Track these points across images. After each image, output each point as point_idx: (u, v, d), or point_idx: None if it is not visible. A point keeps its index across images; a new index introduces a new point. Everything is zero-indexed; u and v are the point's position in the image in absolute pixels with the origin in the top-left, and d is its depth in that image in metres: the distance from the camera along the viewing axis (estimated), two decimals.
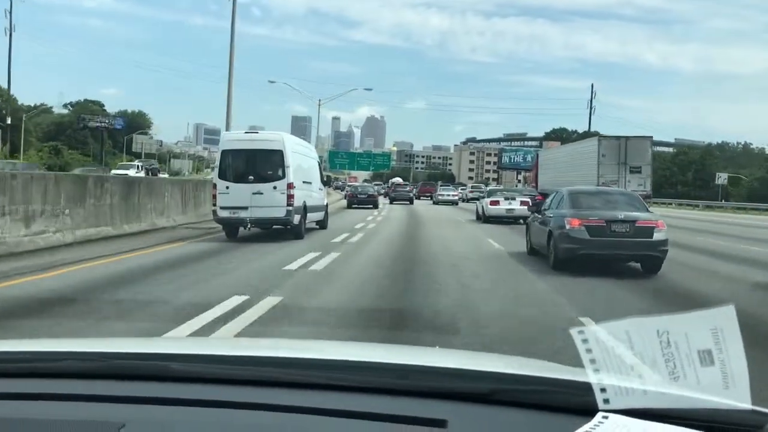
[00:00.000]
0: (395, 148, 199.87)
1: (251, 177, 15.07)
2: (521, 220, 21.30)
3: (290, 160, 15.27)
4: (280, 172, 15.15)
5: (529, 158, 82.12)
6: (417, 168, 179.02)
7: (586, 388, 1.11)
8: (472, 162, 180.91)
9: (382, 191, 57.29)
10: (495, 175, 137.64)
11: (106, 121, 77.38)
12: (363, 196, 36.45)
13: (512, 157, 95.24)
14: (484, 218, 25.40)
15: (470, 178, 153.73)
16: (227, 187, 15.10)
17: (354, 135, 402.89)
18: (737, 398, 1.08)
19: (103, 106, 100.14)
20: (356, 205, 34.62)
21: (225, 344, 2.66)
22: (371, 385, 1.27)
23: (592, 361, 1.11)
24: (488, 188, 45.23)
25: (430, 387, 1.26)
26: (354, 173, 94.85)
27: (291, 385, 1.27)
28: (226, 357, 1.46)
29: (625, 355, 1.12)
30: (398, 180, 58.63)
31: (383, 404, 1.20)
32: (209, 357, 1.46)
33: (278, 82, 52.35)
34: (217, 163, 15.47)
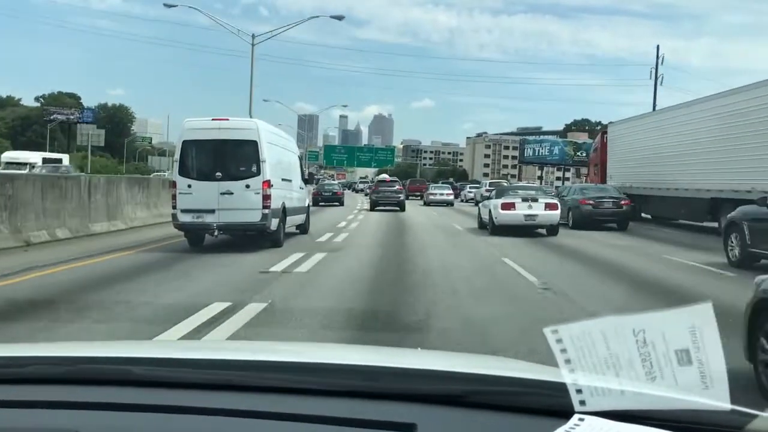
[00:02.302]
0: (402, 146, 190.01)
1: (219, 174, 12.42)
2: (545, 231, 17.38)
3: (266, 153, 12.62)
4: (254, 168, 12.52)
5: (556, 150, 71.95)
6: (425, 164, 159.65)
7: (562, 389, 1.07)
8: (487, 156, 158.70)
9: (368, 190, 47.59)
10: (514, 171, 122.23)
11: (74, 114, 69.75)
12: (328, 194, 36.60)
13: (536, 149, 78.24)
14: (492, 227, 17.55)
15: (485, 174, 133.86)
16: (189, 186, 12.44)
17: (362, 133, 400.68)
18: (716, 398, 1.04)
19: (80, 99, 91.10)
20: (322, 203, 34.67)
21: (189, 347, 2.39)
22: (336, 388, 1.24)
23: (567, 361, 1.07)
24: (492, 183, 37.74)
25: (399, 389, 1.23)
26: (353, 170, 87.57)
27: (254, 389, 1.24)
28: (184, 360, 1.43)
29: (601, 355, 1.07)
30: (384, 177, 43.30)
31: (349, 408, 1.18)
32: (167, 360, 1.42)
33: (271, 101, 48.12)
34: (177, 156, 12.76)
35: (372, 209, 30.27)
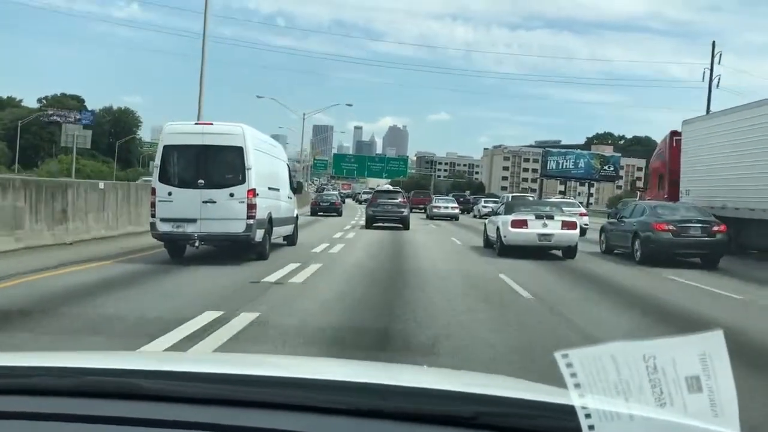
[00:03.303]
0: (415, 158, 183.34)
1: (201, 181, 11.76)
2: (561, 252, 15.19)
3: (252, 160, 11.93)
4: (239, 176, 11.83)
5: (581, 163, 66.98)
6: (439, 176, 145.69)
7: (571, 412, 1.06)
8: (506, 169, 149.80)
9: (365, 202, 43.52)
10: (534, 185, 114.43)
11: (72, 116, 67.30)
12: (326, 204, 36.36)
13: (560, 162, 70.95)
14: (500, 247, 15.35)
15: (503, 188, 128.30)
16: (170, 194, 11.78)
17: (376, 145, 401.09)
18: (727, 426, 1.05)
19: (83, 101, 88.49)
20: (320, 213, 34.72)
21: (201, 361, 2.28)
22: (343, 406, 1.23)
23: (577, 385, 1.06)
24: (504, 197, 34.28)
25: (408, 409, 1.22)
26: (364, 180, 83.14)
27: (259, 404, 1.23)
28: (193, 374, 1.40)
29: (611, 380, 1.06)
30: (386, 186, 38.49)
31: (356, 427, 1.19)
32: (176, 374, 1.39)
33: (265, 98, 47.01)
34: (158, 161, 12.09)
35: (368, 226, 24.91)
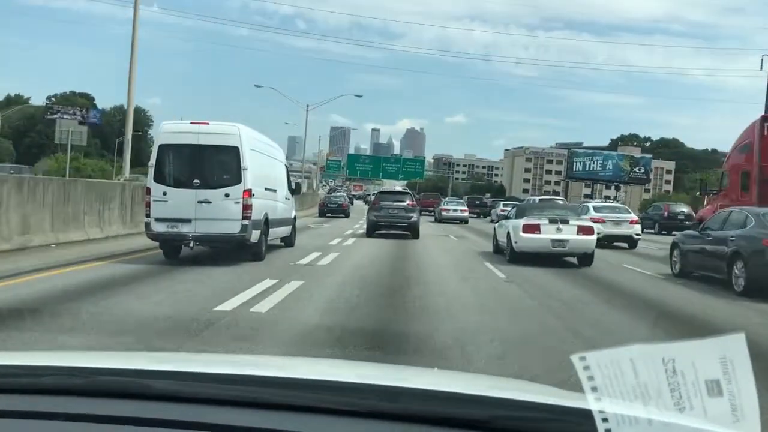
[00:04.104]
0: (433, 160, 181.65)
1: (197, 181, 11.68)
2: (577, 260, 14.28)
3: (249, 160, 11.83)
4: (234, 176, 11.73)
5: (609, 165, 63.33)
6: (457, 179, 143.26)
7: (588, 416, 1.04)
8: (528, 171, 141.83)
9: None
10: (557, 187, 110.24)
11: (79, 114, 64.48)
12: (333, 206, 37.41)
13: (586, 163, 65.46)
14: (510, 254, 14.39)
15: (525, 190, 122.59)
16: (165, 194, 11.72)
17: (393, 147, 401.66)
18: (747, 431, 1.02)
19: (93, 99, 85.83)
20: (329, 214, 35.32)
21: (212, 361, 2.18)
22: (355, 408, 1.21)
23: (594, 389, 1.04)
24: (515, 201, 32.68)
25: (420, 411, 1.20)
26: (380, 182, 77.11)
27: (273, 406, 1.22)
28: (205, 375, 1.39)
29: (629, 384, 1.03)
30: (396, 187, 35.18)
31: (367, 429, 1.17)
32: (187, 374, 1.37)
33: (264, 87, 46.43)
34: (153, 161, 12.03)
35: (369, 234, 20.65)
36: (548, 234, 13.87)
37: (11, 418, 1.20)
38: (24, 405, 1.23)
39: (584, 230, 14.06)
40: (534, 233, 13.87)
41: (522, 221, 14.20)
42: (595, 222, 16.68)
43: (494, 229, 17.22)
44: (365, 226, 21.97)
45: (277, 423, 1.17)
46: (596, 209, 21.07)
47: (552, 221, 14.07)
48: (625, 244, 20.41)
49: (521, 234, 13.96)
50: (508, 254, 14.46)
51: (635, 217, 21.61)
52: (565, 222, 14.05)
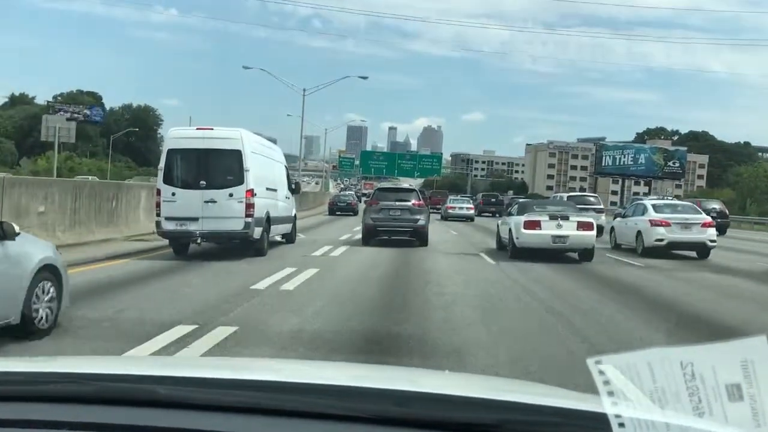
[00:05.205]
0: (450, 157, 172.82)
1: (203, 182, 12.67)
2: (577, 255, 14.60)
3: (250, 162, 12.80)
4: (237, 177, 12.70)
5: (642, 159, 59.22)
6: (476, 176, 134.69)
7: (603, 420, 1.02)
8: (551, 167, 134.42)
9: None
10: (583, 183, 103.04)
11: (80, 112, 61.64)
12: (342, 204, 39.12)
13: (617, 157, 60.52)
14: (512, 249, 14.79)
15: (549, 187, 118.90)
16: (173, 194, 12.73)
17: (410, 145, 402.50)
18: None
19: (101, 98, 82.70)
20: (338, 212, 36.98)
21: (219, 367, 2.13)
22: (365, 414, 1.18)
23: (611, 393, 1.02)
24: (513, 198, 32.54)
25: (431, 416, 1.17)
26: (395, 180, 68.74)
27: (283, 412, 1.19)
28: (211, 380, 1.35)
29: (646, 388, 1.01)
30: (404, 184, 31.43)
31: None
32: (195, 380, 1.34)
33: (254, 68, 43.52)
34: (162, 164, 13.07)
35: (365, 242, 16.58)
36: (549, 230, 14.30)
37: (14, 427, 1.17)
38: (27, 413, 1.20)
39: (584, 226, 14.45)
40: (535, 229, 14.31)
41: (523, 218, 14.62)
42: (658, 225, 16.06)
43: (497, 225, 17.57)
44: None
45: (284, 429, 1.16)
46: (656, 209, 17.12)
47: (552, 218, 14.47)
48: (692, 253, 16.48)
49: (522, 230, 14.40)
50: (510, 250, 14.89)
51: (708, 219, 17.11)
52: (566, 218, 14.46)
